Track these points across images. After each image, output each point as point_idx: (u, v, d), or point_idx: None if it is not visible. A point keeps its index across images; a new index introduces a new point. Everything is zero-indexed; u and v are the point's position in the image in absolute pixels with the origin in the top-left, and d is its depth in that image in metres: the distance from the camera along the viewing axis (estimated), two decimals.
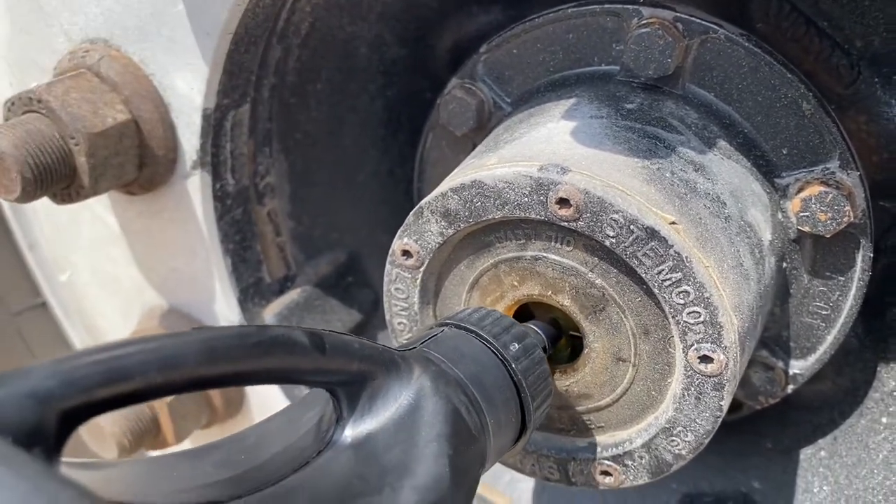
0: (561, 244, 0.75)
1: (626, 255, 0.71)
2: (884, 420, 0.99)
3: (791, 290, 0.90)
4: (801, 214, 0.83)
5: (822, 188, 0.81)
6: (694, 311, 0.70)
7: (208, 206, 1.00)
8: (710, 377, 0.72)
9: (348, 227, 1.19)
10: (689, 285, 0.69)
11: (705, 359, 0.71)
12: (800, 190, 0.83)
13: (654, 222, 0.69)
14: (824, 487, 1.02)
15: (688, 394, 0.74)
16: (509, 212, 0.74)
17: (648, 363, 0.77)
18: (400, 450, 0.54)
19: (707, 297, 0.69)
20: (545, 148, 0.76)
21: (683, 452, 0.77)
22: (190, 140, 0.96)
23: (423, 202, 0.79)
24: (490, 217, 0.75)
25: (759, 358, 0.94)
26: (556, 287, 0.77)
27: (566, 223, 0.72)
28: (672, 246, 0.69)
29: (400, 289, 0.84)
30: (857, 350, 1.00)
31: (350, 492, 0.51)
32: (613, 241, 0.71)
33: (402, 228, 0.81)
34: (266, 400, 1.12)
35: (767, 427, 1.09)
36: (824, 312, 0.90)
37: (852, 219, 0.81)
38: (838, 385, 1.02)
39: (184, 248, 1.04)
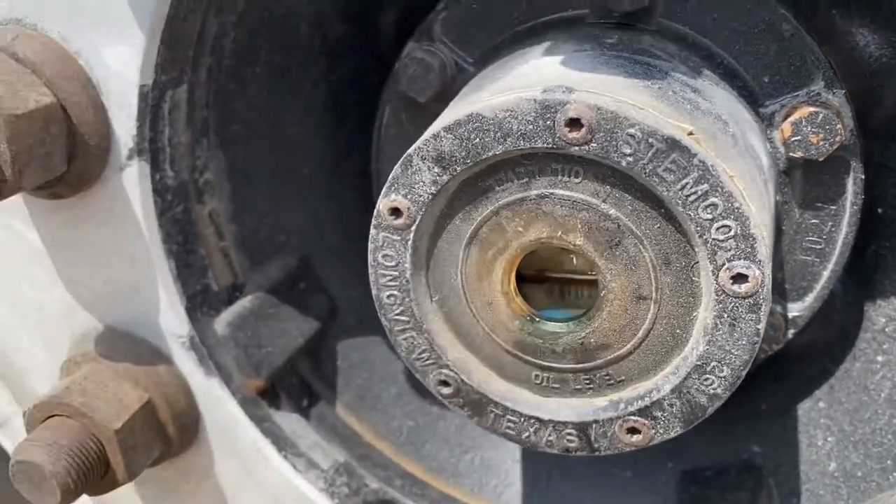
0: (569, 176, 0.69)
1: (644, 173, 0.66)
2: (879, 359, 0.97)
3: (783, 227, 0.87)
4: (793, 139, 0.81)
5: (812, 108, 0.80)
6: (724, 226, 0.65)
7: (147, 200, 0.89)
8: (744, 298, 0.67)
9: (295, 228, 1.09)
10: (716, 197, 0.65)
11: (739, 278, 0.66)
12: (787, 116, 0.82)
13: (673, 132, 0.64)
14: (829, 438, 0.99)
15: (721, 322, 0.69)
16: (512, 144, 0.68)
17: (671, 297, 0.71)
18: None
19: (737, 208, 0.65)
20: (538, 78, 0.71)
21: (719, 391, 0.72)
22: (125, 124, 0.85)
23: (411, 149, 0.72)
24: (490, 154, 0.69)
25: None
26: (567, 226, 0.71)
27: (577, 147, 0.66)
28: (696, 155, 0.64)
29: (388, 255, 0.76)
30: (842, 293, 0.98)
31: None
32: (630, 159, 0.65)
33: (387, 184, 0.74)
34: (224, 427, 0.99)
35: (759, 388, 1.05)
36: (818, 247, 0.88)
37: (843, 138, 0.80)
38: (827, 332, 1.00)
39: (121, 255, 0.92)
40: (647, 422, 0.75)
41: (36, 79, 0.82)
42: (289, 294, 1.07)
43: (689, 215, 0.66)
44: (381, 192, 0.74)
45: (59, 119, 0.82)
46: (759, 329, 0.68)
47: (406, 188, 0.73)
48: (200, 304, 0.97)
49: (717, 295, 0.68)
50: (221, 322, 0.98)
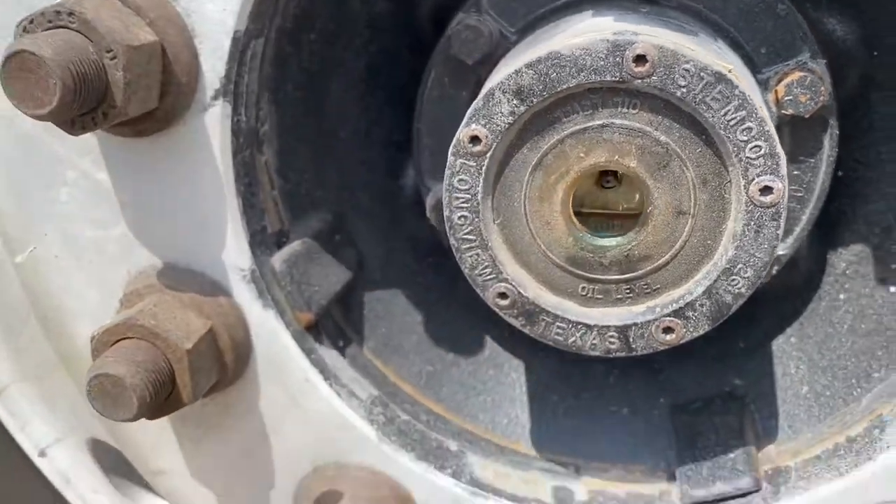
0: (628, 108, 0.84)
1: (695, 101, 0.81)
2: (841, 297, 1.15)
3: None
4: (786, 98, 0.98)
5: (801, 73, 0.97)
6: (756, 146, 0.81)
7: (226, 140, 0.98)
8: (769, 208, 0.83)
9: (332, 186, 1.20)
10: (752, 122, 0.81)
11: (766, 190, 0.82)
12: (779, 80, 0.99)
13: (720, 68, 0.80)
14: (801, 367, 1.16)
15: (748, 229, 0.84)
16: (585, 78, 0.82)
17: (706, 212, 0.86)
18: None
19: (768, 131, 0.81)
20: (600, 29, 0.86)
21: (743, 290, 0.87)
22: (215, 67, 0.94)
23: (492, 84, 0.85)
24: (564, 87, 0.83)
25: None
26: (623, 150, 0.85)
27: (640, 80, 0.81)
28: (737, 87, 0.80)
29: (464, 180, 0.88)
30: (807, 245, 1.16)
31: None
32: (684, 90, 0.81)
33: (468, 115, 0.86)
34: (276, 358, 1.07)
35: (735, 330, 1.21)
36: (799, 195, 1.05)
37: (825, 99, 0.98)
38: (795, 278, 1.17)
39: (193, 191, 1.00)
40: (679, 321, 0.89)
41: (140, 20, 0.91)
42: (328, 243, 1.17)
43: (729, 137, 0.81)
44: (461, 124, 0.87)
45: (158, 56, 0.91)
46: (778, 234, 0.84)
47: (486, 118, 0.86)
48: (259, 242, 1.06)
49: (746, 206, 0.83)
50: (278, 259, 1.07)
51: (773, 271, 1.07)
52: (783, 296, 1.18)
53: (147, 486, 1.44)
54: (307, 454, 1.10)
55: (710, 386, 1.20)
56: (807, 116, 0.98)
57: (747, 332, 1.20)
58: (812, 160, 1.03)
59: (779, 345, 1.18)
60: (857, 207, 1.13)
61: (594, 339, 0.92)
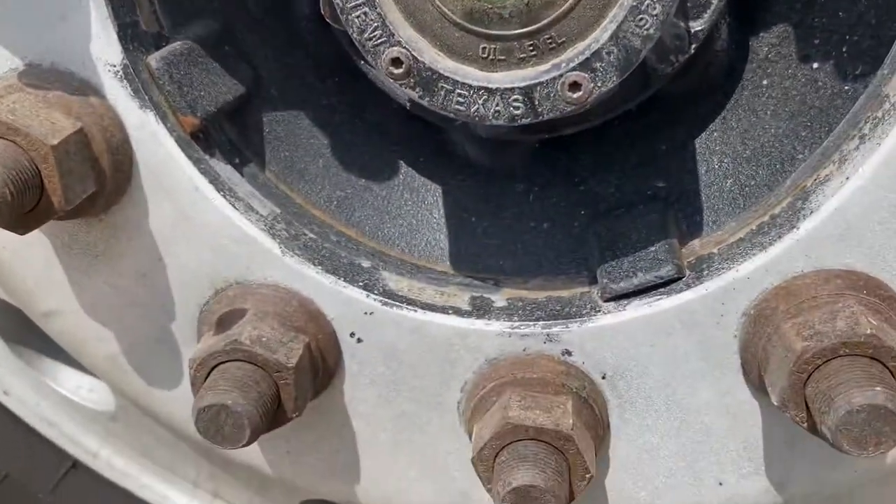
0: None
1: None
2: (764, 83, 1.09)
3: None
4: None
5: None
6: None
7: None
8: None
9: None
10: None
11: None
12: None
13: None
14: (724, 161, 1.11)
15: None
16: None
17: None
18: None
19: None
20: None
21: (651, 31, 0.80)
22: None
23: None
24: None
25: None
26: None
27: None
28: None
29: None
30: (727, 35, 1.10)
31: None
32: None
33: None
34: (160, 166, 0.98)
35: (657, 133, 1.15)
36: None
37: None
38: (716, 71, 1.12)
39: None
40: (587, 75, 0.82)
41: None
42: (215, 52, 1.07)
43: None
44: None
45: None
46: None
47: None
48: (131, 37, 0.96)
49: None
50: (155, 57, 0.98)
51: (692, 50, 1.01)
52: (705, 93, 1.12)
53: (52, 355, 1.36)
54: (206, 274, 1.02)
55: (631, 191, 1.14)
56: None
57: (670, 134, 1.15)
58: None
59: (701, 142, 1.13)
60: None
61: (497, 105, 0.85)
